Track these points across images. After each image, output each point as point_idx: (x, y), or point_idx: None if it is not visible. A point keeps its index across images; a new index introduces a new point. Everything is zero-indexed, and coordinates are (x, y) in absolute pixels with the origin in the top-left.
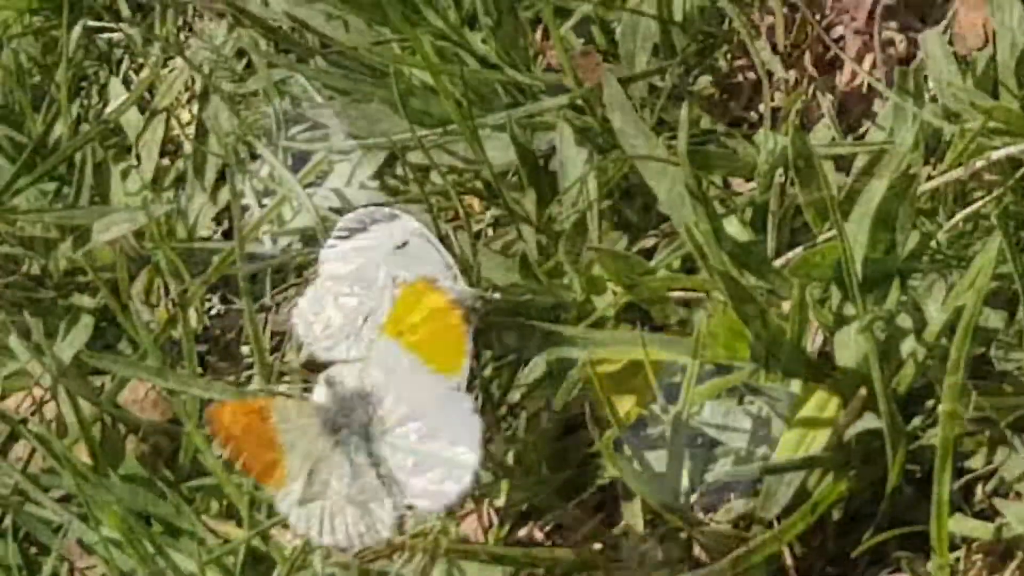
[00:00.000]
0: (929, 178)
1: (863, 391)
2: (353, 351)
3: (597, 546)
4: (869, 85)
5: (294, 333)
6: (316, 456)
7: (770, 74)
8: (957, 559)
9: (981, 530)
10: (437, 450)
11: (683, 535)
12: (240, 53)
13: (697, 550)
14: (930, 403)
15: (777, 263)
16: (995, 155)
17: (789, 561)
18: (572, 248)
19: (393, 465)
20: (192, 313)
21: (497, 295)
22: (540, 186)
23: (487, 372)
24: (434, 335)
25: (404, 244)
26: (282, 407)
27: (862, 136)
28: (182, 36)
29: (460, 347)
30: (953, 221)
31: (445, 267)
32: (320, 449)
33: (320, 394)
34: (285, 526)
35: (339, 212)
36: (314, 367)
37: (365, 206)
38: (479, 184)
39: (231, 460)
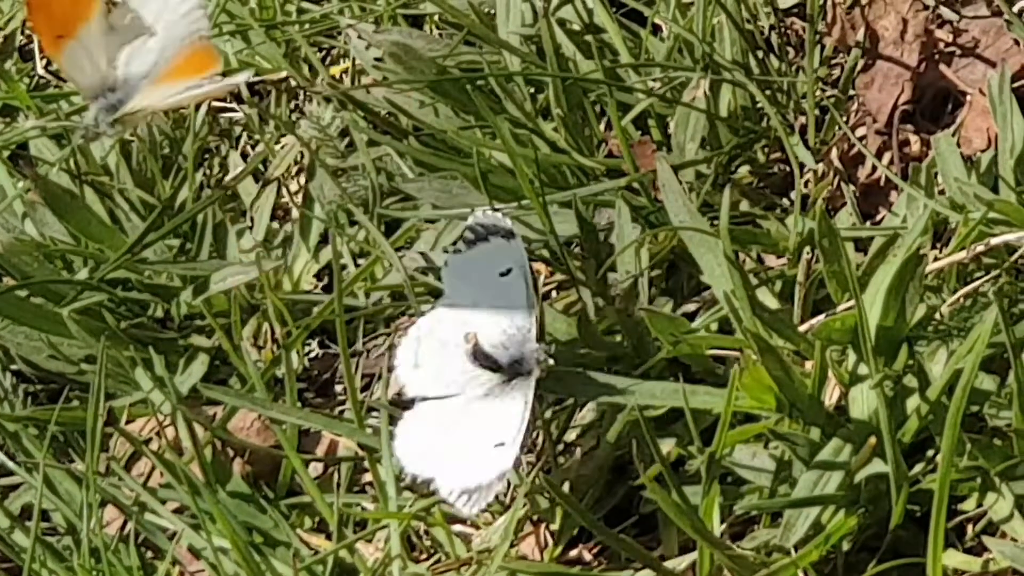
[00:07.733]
0: (936, 259)
1: (872, 440)
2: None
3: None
4: (887, 178)
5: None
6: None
7: (802, 166)
8: None
9: (971, 564)
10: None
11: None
12: (343, 133)
13: (725, 573)
14: (930, 452)
15: (802, 328)
16: (994, 241)
17: None
18: (624, 309)
19: None
20: (294, 355)
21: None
22: (599, 255)
23: (548, 414)
24: None
25: (507, 272)
26: None
27: (879, 221)
28: (293, 117)
29: None
30: (955, 297)
31: (528, 309)
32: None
33: None
34: (368, 540)
35: (424, 272)
36: (399, 404)
37: (496, 209)
38: (546, 252)
39: None
